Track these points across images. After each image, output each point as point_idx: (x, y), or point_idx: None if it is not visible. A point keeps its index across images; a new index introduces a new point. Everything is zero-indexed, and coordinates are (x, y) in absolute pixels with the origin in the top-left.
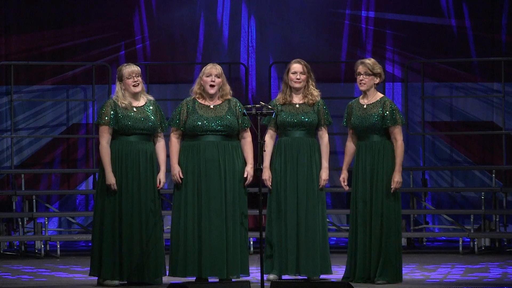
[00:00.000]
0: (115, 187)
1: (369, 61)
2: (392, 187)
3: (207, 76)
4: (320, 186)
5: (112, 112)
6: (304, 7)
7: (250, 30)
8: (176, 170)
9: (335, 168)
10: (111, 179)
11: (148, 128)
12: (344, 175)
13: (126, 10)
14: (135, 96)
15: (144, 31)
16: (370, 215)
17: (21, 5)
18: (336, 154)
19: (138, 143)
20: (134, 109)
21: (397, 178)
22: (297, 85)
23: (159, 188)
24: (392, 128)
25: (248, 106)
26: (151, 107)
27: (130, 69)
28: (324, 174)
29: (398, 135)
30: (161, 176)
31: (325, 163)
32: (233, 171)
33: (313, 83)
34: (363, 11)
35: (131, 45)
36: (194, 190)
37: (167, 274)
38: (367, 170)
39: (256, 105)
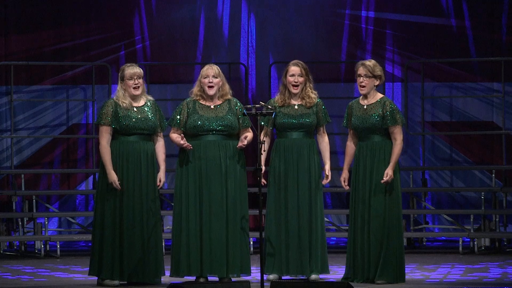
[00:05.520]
0: (117, 184)
1: (370, 62)
2: (384, 179)
3: (205, 78)
4: (325, 183)
5: (112, 112)
6: (304, 7)
7: (250, 30)
8: (183, 141)
9: (335, 168)
10: (113, 176)
11: (148, 128)
12: (345, 175)
13: (126, 10)
14: (135, 97)
15: (144, 31)
16: (369, 215)
17: (21, 5)
18: (336, 154)
19: (138, 143)
20: (135, 109)
21: (390, 173)
22: (294, 91)
23: (159, 187)
24: (392, 128)
25: (248, 106)
26: (150, 107)
27: (132, 71)
28: (329, 173)
29: (398, 134)
30: (161, 175)
31: (328, 162)
32: (234, 170)
33: (311, 85)
34: (363, 11)
35: (131, 45)
36: (195, 189)
37: (166, 274)
38: (367, 170)
39: (256, 105)
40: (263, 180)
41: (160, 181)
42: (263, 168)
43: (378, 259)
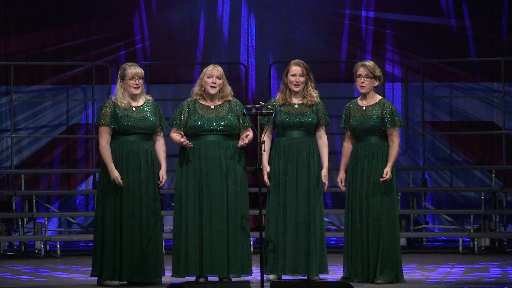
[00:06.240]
0: (120, 181)
1: (369, 63)
2: (383, 178)
3: (208, 77)
4: (326, 187)
5: (111, 112)
6: (304, 7)
7: (250, 30)
8: (183, 139)
9: (334, 168)
10: (115, 173)
11: (148, 128)
12: (341, 175)
13: (126, 10)
14: (135, 96)
15: (144, 31)
16: (367, 215)
17: (21, 5)
18: (336, 154)
19: (138, 143)
20: (134, 109)
21: (389, 173)
22: (296, 89)
23: (160, 185)
24: (390, 130)
25: (248, 106)
26: (150, 107)
27: (134, 71)
28: (327, 175)
29: (395, 137)
30: (163, 173)
31: (326, 164)
32: (234, 170)
33: (312, 84)
34: (363, 11)
35: (131, 45)
36: (195, 189)
37: (166, 274)
38: (365, 171)
39: (256, 105)
40: (266, 180)
41: (162, 178)
42: (267, 168)
43: (376, 259)
